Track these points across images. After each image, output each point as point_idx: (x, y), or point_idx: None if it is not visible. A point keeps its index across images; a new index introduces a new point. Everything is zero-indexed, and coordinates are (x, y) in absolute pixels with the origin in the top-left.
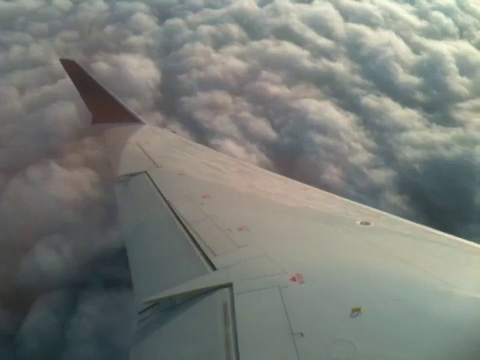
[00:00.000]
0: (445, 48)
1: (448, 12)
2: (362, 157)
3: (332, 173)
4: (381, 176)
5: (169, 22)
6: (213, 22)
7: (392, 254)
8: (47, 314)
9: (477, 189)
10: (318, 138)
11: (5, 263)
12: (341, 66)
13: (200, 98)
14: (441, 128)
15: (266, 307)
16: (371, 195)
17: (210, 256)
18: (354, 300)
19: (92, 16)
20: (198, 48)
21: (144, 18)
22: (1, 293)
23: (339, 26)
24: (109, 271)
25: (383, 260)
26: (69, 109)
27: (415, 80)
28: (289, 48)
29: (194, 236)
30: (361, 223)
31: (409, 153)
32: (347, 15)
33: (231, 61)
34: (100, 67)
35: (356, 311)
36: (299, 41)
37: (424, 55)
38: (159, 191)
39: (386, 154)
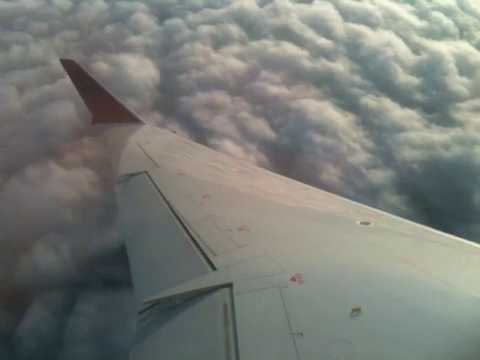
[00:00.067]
0: (445, 48)
1: (448, 12)
2: (361, 157)
3: (331, 173)
4: (380, 176)
5: (169, 22)
6: (213, 22)
7: (392, 254)
8: (45, 314)
9: (476, 189)
10: (317, 138)
11: (3, 262)
12: (340, 66)
13: (199, 98)
14: (440, 128)
15: (266, 307)
16: (370, 195)
17: (210, 256)
18: (354, 300)
19: (92, 16)
20: (198, 48)
21: (144, 18)
22: None
23: (339, 26)
24: (107, 271)
25: (383, 260)
26: (68, 109)
27: (414, 80)
28: (289, 48)
29: (194, 236)
30: (361, 223)
31: (408, 153)
32: (347, 15)
33: (230, 61)
34: (100, 67)
35: (356, 311)
36: (299, 41)
37: (424, 55)
38: (159, 191)
39: (385, 154)
